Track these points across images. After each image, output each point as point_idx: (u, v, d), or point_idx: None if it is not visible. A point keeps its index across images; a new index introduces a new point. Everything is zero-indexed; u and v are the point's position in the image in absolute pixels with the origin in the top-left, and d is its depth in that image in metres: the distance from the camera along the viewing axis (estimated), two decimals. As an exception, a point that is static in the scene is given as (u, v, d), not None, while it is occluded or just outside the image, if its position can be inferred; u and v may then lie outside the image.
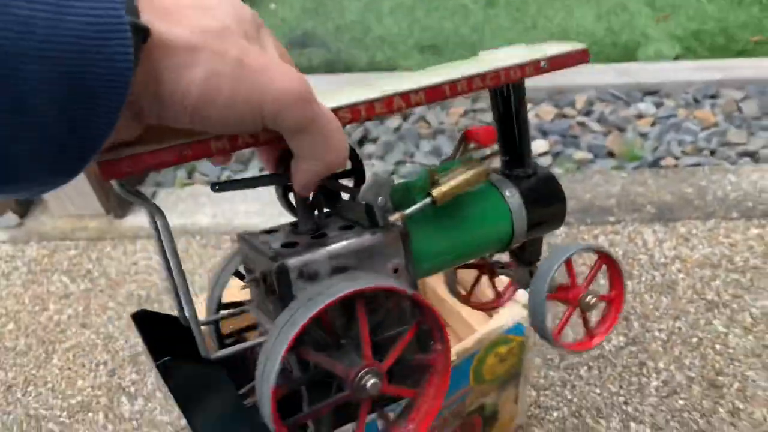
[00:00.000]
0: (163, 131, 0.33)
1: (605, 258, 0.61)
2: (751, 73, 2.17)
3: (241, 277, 0.56)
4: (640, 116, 2.12)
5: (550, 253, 0.61)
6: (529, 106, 2.07)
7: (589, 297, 0.61)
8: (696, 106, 2.12)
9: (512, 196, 0.59)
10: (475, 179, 0.52)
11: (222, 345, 0.58)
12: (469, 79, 0.48)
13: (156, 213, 0.41)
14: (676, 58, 2.34)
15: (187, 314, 0.45)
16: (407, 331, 0.47)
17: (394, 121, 2.22)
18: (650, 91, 2.21)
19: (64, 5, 0.25)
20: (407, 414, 0.50)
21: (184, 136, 0.35)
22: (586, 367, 1.33)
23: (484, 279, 0.77)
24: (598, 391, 1.31)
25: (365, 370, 0.45)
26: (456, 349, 0.89)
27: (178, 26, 0.29)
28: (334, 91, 0.45)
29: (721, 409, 1.28)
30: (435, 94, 0.46)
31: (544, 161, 1.99)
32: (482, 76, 0.48)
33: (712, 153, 1.92)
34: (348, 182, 0.55)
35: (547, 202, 0.62)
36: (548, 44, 0.56)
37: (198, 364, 0.46)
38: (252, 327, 0.59)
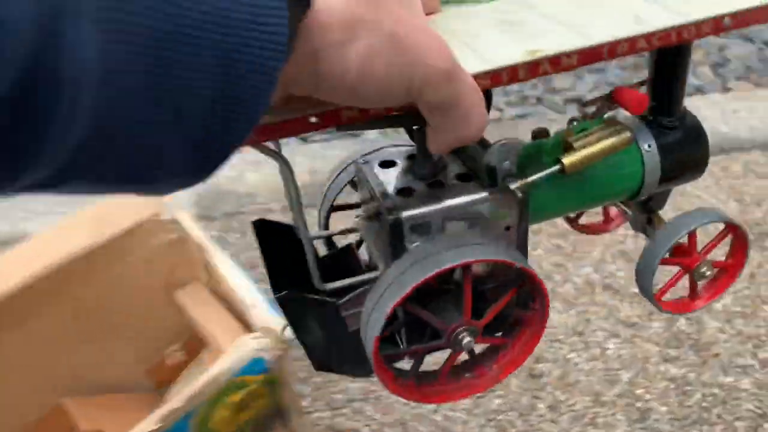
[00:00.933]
0: (290, 97, 0.33)
1: (734, 230, 0.58)
2: None
3: (354, 185, 0.57)
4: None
5: (679, 216, 0.57)
6: None
7: (705, 267, 0.58)
8: None
9: (650, 149, 0.55)
10: (614, 148, 0.50)
11: (331, 243, 0.61)
12: (632, 40, 0.43)
13: (284, 165, 0.44)
14: None
15: (305, 249, 0.48)
16: (508, 291, 0.50)
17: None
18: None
19: None
20: (494, 356, 0.53)
21: (309, 102, 0.35)
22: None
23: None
24: (403, 401, 1.09)
25: (462, 327, 0.48)
26: (161, 412, 0.75)
27: None
28: (467, 33, 0.44)
29: (540, 405, 1.12)
30: (590, 57, 0.42)
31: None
32: (648, 36, 0.43)
33: (539, 100, 1.81)
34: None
35: (687, 157, 0.57)
36: None
37: (312, 298, 0.50)
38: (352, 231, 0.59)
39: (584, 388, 1.21)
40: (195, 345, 1.18)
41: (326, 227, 0.64)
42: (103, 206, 1.00)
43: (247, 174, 1.66)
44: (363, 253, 0.61)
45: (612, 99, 0.54)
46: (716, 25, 0.47)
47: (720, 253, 0.58)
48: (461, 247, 0.47)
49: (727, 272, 0.63)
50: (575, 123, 0.54)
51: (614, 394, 1.20)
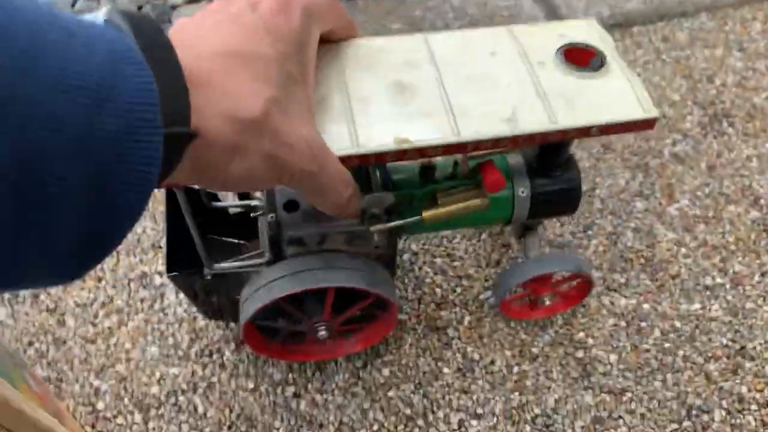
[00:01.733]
0: None
1: (584, 277, 0.81)
2: None
3: None
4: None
5: (549, 255, 0.87)
6: None
7: (547, 297, 0.82)
8: None
9: (523, 194, 0.71)
10: (470, 209, 0.66)
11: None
12: (497, 141, 0.57)
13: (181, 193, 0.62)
14: None
15: (193, 235, 0.66)
16: (365, 300, 0.71)
17: None
18: None
19: (103, 102, 0.25)
20: (353, 335, 0.80)
21: None
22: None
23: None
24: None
25: (321, 323, 0.73)
26: None
27: (218, 119, 0.34)
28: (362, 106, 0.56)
29: (446, 369, 0.75)
30: (454, 150, 0.57)
31: None
32: (514, 138, 0.57)
33: None
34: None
35: (556, 204, 0.74)
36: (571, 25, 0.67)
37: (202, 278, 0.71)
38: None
39: (504, 338, 0.86)
40: None
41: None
42: None
43: None
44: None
45: (478, 170, 0.67)
46: (582, 133, 0.60)
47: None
48: (329, 270, 0.68)
49: (565, 302, 0.87)
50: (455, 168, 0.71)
51: (545, 342, 0.86)
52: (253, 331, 0.75)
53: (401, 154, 0.57)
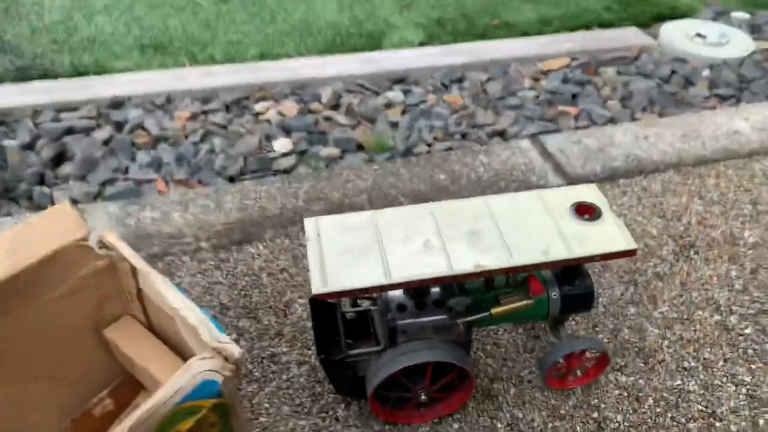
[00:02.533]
0: None
1: (604, 353, 1.18)
2: (493, 55, 2.24)
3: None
4: (389, 105, 1.98)
5: (579, 339, 1.20)
6: (270, 102, 1.82)
7: (579, 369, 1.20)
8: (444, 90, 2.06)
9: (555, 295, 1.10)
10: (523, 308, 1.07)
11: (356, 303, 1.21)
12: (538, 265, 1.00)
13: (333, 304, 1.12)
14: (421, 44, 2.31)
15: (339, 328, 1.11)
16: (451, 373, 1.09)
17: (101, 133, 1.79)
18: (398, 79, 2.10)
19: None
20: (440, 403, 1.13)
21: None
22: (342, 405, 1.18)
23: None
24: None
25: (423, 390, 1.08)
26: None
27: None
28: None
29: (499, 424, 1.11)
30: (511, 271, 1.01)
31: (288, 162, 1.72)
32: (548, 263, 1.00)
33: (464, 136, 1.86)
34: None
35: (577, 303, 1.13)
36: (573, 190, 1.12)
37: (339, 360, 1.07)
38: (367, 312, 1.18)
39: (540, 403, 1.19)
40: (126, 392, 1.07)
41: (353, 304, 1.20)
42: (18, 232, 0.90)
43: (174, 214, 1.57)
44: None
45: (526, 281, 1.09)
46: (589, 260, 1.00)
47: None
48: (432, 351, 1.04)
49: (592, 373, 1.20)
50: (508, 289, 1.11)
51: (570, 406, 1.18)
52: (374, 399, 1.08)
53: (477, 275, 0.97)
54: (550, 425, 1.15)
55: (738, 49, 2.37)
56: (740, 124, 1.93)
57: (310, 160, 1.81)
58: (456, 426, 1.15)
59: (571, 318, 1.33)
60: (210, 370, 0.76)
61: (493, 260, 0.97)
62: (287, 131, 1.92)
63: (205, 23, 2.53)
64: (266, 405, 1.18)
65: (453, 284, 1.06)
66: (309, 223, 1.05)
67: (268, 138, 1.89)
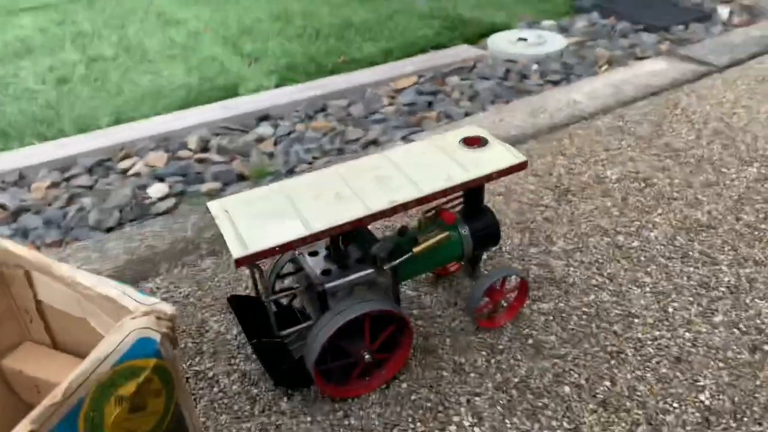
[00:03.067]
0: None
1: (523, 283, 1.24)
2: (348, 85, 2.33)
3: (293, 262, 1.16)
4: (260, 140, 2.00)
5: (493, 271, 1.22)
6: (134, 159, 1.78)
7: (504, 301, 1.24)
8: (310, 119, 2.12)
9: (465, 233, 1.16)
10: (441, 242, 1.11)
11: (277, 304, 1.20)
12: (444, 191, 1.04)
13: (257, 269, 1.02)
14: (277, 86, 2.37)
15: (266, 304, 1.05)
16: (390, 326, 1.08)
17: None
18: (262, 117, 2.14)
19: None
20: (382, 364, 1.12)
21: None
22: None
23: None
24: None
25: (365, 349, 1.06)
26: (35, 412, 0.60)
27: None
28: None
29: (445, 373, 1.10)
30: (422, 202, 1.04)
31: (167, 204, 1.68)
32: (453, 188, 1.05)
33: (340, 151, 1.91)
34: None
35: (487, 236, 1.20)
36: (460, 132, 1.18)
37: (273, 341, 1.07)
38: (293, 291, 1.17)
39: (478, 345, 1.20)
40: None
41: (274, 291, 1.16)
42: None
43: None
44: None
45: (437, 212, 1.17)
46: (489, 178, 1.08)
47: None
48: (364, 303, 1.03)
49: (516, 305, 1.26)
50: (421, 224, 1.18)
51: (506, 340, 1.21)
52: (318, 375, 1.04)
53: (394, 210, 0.99)
54: (493, 361, 1.17)
55: (555, 45, 2.68)
56: (576, 96, 2.17)
57: (192, 199, 1.75)
58: (404, 386, 1.13)
59: (484, 256, 1.38)
60: (145, 328, 0.70)
61: (405, 195, 1.00)
62: (160, 179, 1.85)
63: (47, 105, 2.41)
64: (203, 419, 1.08)
65: (371, 241, 1.07)
66: (213, 204, 1.02)
67: (141, 188, 1.81)
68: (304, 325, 1.08)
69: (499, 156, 1.09)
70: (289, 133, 2.10)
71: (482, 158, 1.08)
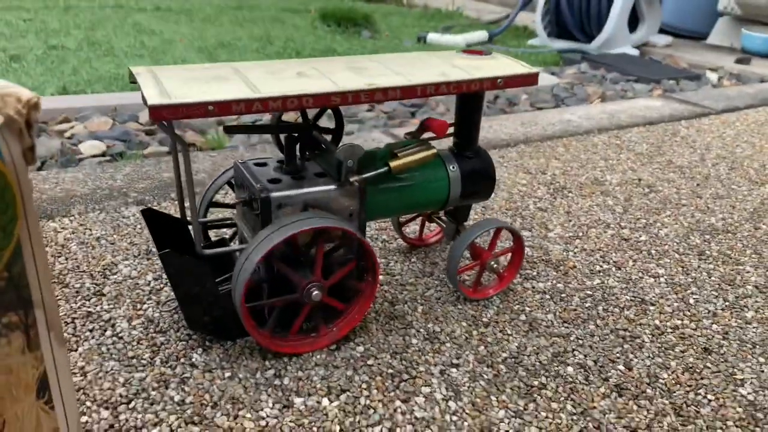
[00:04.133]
0: None
1: (517, 240, 0.97)
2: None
3: (232, 186, 0.89)
4: (221, 123, 1.78)
5: (480, 221, 0.97)
6: (74, 123, 1.56)
7: (493, 263, 0.98)
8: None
9: (454, 170, 0.91)
10: (425, 159, 0.85)
11: (206, 236, 0.92)
12: (437, 85, 0.77)
13: (180, 143, 0.69)
14: None
15: (190, 219, 0.74)
16: (349, 263, 0.81)
17: None
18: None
19: None
20: (334, 320, 0.83)
21: None
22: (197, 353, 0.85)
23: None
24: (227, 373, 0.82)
25: (313, 283, 0.77)
26: None
27: None
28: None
29: (414, 340, 0.87)
30: (409, 93, 0.77)
31: (99, 160, 1.45)
32: (447, 84, 0.78)
33: None
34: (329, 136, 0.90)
35: (479, 179, 0.94)
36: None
37: (190, 257, 0.74)
38: (229, 223, 0.92)
39: (457, 316, 0.95)
40: None
41: (205, 217, 0.92)
42: None
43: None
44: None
45: (424, 125, 0.87)
46: (493, 84, 0.82)
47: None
48: (316, 218, 0.75)
49: (508, 275, 1.00)
50: (402, 141, 0.88)
51: (492, 314, 0.96)
52: (247, 315, 0.77)
53: (371, 95, 0.76)
54: (475, 332, 0.91)
55: (545, 81, 2.58)
56: (570, 116, 2.02)
57: (129, 159, 1.50)
58: (360, 349, 0.86)
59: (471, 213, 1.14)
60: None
61: (386, 80, 0.78)
62: (99, 139, 1.60)
63: (-10, 75, 2.17)
64: (80, 364, 0.79)
65: (331, 151, 0.84)
66: (137, 68, 0.78)
67: (75, 144, 1.55)
68: (235, 247, 0.81)
69: (505, 63, 0.89)
70: (254, 121, 1.88)
71: (486, 65, 0.88)
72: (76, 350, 0.81)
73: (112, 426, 0.70)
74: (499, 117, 1.97)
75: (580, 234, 1.23)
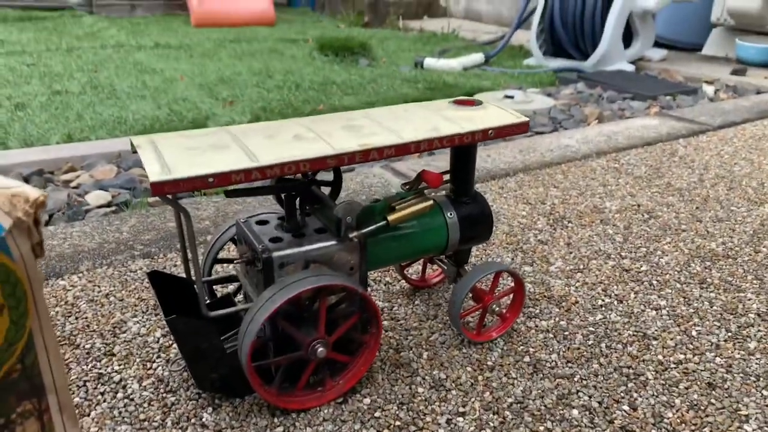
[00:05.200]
0: None
1: (518, 282, 0.99)
2: None
3: (234, 242, 0.93)
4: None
5: (480, 264, 0.99)
6: (80, 172, 1.58)
7: (495, 305, 0.99)
8: None
9: (451, 216, 0.94)
10: (422, 211, 0.87)
11: (212, 292, 0.98)
12: (430, 141, 0.81)
13: (183, 213, 0.73)
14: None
15: (194, 278, 0.77)
16: (352, 316, 0.82)
17: None
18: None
19: None
20: (340, 373, 0.85)
21: None
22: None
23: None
24: None
25: (317, 340, 0.79)
26: None
27: None
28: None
29: (420, 389, 0.90)
30: (402, 150, 0.80)
31: (106, 211, 1.48)
32: (440, 139, 0.81)
33: None
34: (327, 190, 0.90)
35: (477, 223, 0.96)
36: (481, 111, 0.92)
37: (195, 320, 0.77)
38: (233, 279, 0.95)
39: (462, 360, 0.96)
40: None
41: (209, 275, 0.94)
42: None
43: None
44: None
45: (420, 177, 0.88)
46: (484, 135, 0.85)
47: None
48: (317, 276, 0.77)
49: (510, 315, 1.01)
50: (399, 192, 0.91)
51: (496, 357, 0.97)
52: (253, 373, 0.79)
53: (366, 155, 0.78)
54: (480, 378, 0.92)
55: (542, 104, 2.60)
56: (568, 141, 2.04)
57: (135, 209, 1.53)
58: (367, 401, 0.87)
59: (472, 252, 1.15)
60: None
61: (380, 139, 0.80)
62: (104, 189, 1.63)
63: (-3, 125, 2.22)
64: (93, 430, 0.81)
65: (330, 207, 0.86)
66: (137, 139, 0.81)
67: (81, 195, 1.58)
68: (240, 307, 0.83)
69: (495, 114, 0.91)
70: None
71: (476, 116, 0.90)
72: (88, 415, 0.83)
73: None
74: (498, 145, 1.99)
75: (581, 267, 1.24)
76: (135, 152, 0.77)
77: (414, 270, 1.21)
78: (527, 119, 0.90)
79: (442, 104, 0.95)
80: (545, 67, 3.43)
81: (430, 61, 3.47)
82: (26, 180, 1.70)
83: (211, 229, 1.35)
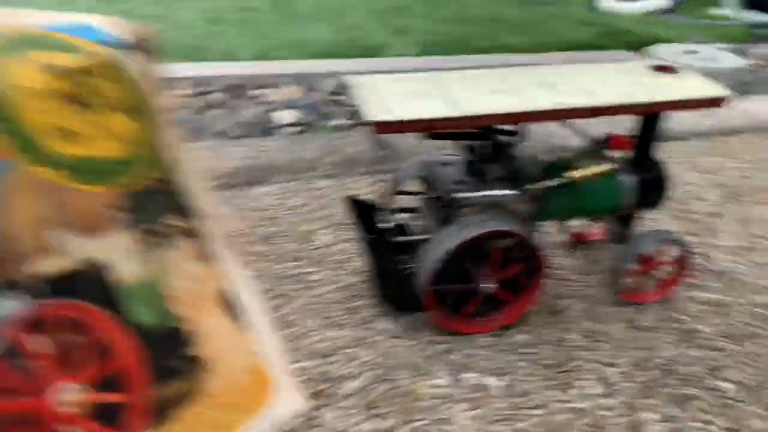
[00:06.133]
0: None
1: (686, 254, 1.02)
2: (491, 63, 2.17)
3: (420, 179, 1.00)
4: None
5: (651, 231, 1.03)
6: (270, 89, 1.67)
7: (656, 271, 1.02)
8: None
9: (629, 181, 0.96)
10: (602, 173, 0.93)
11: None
12: (623, 107, 0.85)
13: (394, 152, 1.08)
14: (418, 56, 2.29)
15: (389, 208, 0.98)
16: (521, 261, 0.91)
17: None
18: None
19: None
20: (501, 309, 0.95)
21: None
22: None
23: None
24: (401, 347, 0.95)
25: (488, 277, 0.90)
26: None
27: None
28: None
29: (572, 336, 0.86)
30: (597, 113, 0.84)
31: (293, 131, 1.61)
32: (633, 106, 0.86)
33: None
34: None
35: (653, 190, 0.99)
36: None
37: (391, 243, 0.93)
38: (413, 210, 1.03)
39: (614, 317, 1.01)
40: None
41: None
42: None
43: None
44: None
45: (609, 142, 0.94)
46: (676, 105, 0.87)
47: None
48: (496, 221, 0.88)
49: (674, 277, 1.04)
50: (577, 150, 0.97)
51: (651, 319, 1.01)
52: (430, 295, 0.90)
53: (556, 116, 0.83)
54: (631, 336, 0.97)
55: (729, 63, 2.41)
56: (755, 108, 1.91)
57: (318, 132, 1.67)
58: (521, 338, 0.96)
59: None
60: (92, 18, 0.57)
61: (573, 100, 0.84)
62: (291, 108, 1.80)
63: (198, 37, 2.47)
64: (293, 317, 0.97)
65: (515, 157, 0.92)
66: (353, 77, 0.91)
67: (271, 111, 1.76)
68: (422, 237, 0.94)
69: (692, 84, 0.91)
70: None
71: (672, 83, 0.91)
72: (291, 304, 1.00)
73: (318, 375, 0.87)
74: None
75: (752, 245, 1.22)
76: (346, 90, 0.87)
77: (575, 226, 1.25)
78: (726, 94, 0.89)
79: (640, 67, 0.96)
80: (740, 20, 3.13)
81: (609, 2, 3.29)
82: (224, 91, 1.91)
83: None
